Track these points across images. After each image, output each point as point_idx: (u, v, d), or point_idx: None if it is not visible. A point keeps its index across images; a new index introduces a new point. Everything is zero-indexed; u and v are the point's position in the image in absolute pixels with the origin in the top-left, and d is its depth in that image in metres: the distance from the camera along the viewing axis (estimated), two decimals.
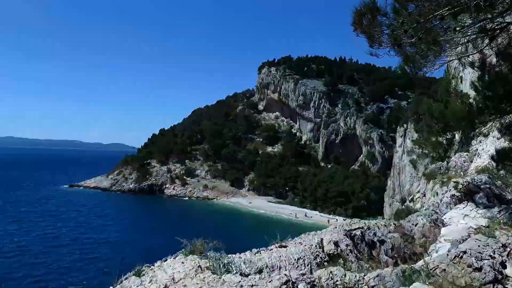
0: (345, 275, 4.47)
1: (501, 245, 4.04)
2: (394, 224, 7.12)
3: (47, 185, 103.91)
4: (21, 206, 68.11)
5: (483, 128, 7.78)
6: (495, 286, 3.45)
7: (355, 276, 4.38)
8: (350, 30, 5.72)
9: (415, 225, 6.83)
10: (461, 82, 27.11)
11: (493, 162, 8.04)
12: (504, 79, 5.75)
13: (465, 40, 5.34)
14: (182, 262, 5.05)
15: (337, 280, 4.38)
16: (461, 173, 14.07)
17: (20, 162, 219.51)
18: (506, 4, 4.93)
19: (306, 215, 70.96)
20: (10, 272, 34.97)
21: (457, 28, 5.05)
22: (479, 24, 5.06)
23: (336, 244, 6.33)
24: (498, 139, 10.09)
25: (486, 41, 5.32)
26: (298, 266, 5.76)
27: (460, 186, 7.29)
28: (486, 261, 3.69)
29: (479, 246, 4.01)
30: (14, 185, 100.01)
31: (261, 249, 6.28)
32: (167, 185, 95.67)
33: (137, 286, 4.55)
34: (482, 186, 7.02)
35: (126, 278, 4.97)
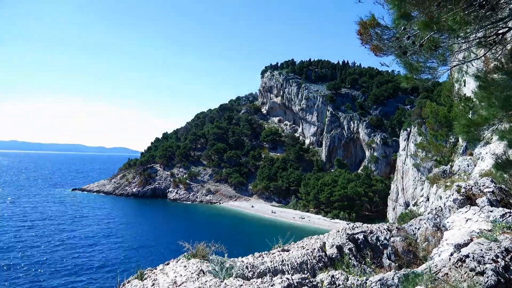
0: (347, 279, 4.47)
1: (504, 249, 4.03)
2: (397, 228, 7.10)
3: (50, 189, 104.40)
4: (23, 210, 68.45)
5: (483, 135, 7.75)
6: None
7: (358, 280, 4.37)
8: (354, 33, 5.78)
9: (418, 229, 6.81)
10: (464, 85, 27.07)
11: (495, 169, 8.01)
12: (501, 86, 5.75)
13: (467, 46, 5.35)
14: (184, 266, 5.07)
15: (339, 284, 4.38)
16: (465, 176, 14.00)
17: (23, 166, 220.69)
18: (510, 10, 4.93)
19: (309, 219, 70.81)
20: (8, 273, 35.09)
21: (460, 35, 5.06)
22: (482, 30, 5.07)
23: (339, 248, 6.32)
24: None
25: (488, 47, 5.32)
26: (300, 270, 5.75)
27: (463, 190, 7.26)
28: (488, 265, 3.68)
29: (481, 250, 4.00)
30: (17, 190, 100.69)
31: (263, 253, 6.28)
32: (170, 189, 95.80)
33: None
34: (485, 190, 6.99)
35: (128, 282, 4.99)
